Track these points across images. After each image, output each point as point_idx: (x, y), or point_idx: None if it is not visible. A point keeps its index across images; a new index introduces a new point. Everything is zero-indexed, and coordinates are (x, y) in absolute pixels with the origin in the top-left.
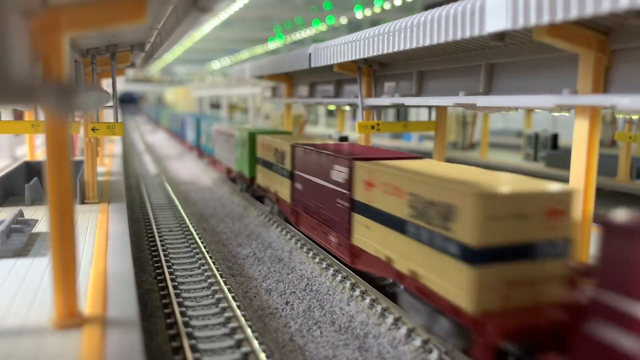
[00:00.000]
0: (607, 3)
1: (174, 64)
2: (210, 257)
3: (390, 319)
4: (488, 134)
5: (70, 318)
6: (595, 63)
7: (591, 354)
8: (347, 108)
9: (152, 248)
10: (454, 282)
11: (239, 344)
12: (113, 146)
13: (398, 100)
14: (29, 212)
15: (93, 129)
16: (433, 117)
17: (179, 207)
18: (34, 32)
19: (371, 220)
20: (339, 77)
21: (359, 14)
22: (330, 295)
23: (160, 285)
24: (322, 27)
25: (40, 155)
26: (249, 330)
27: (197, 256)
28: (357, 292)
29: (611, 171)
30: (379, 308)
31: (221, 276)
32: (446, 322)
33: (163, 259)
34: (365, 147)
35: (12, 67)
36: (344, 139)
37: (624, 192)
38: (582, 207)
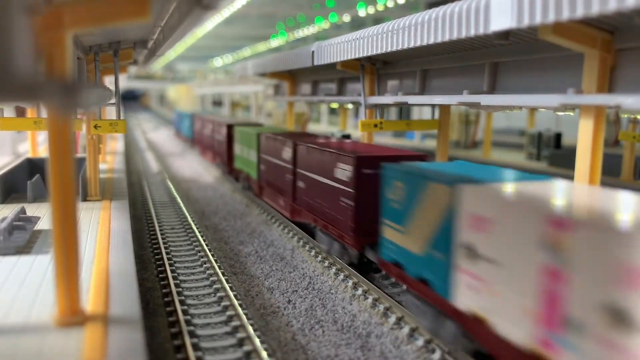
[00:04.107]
0: (613, 2)
1: (176, 61)
2: (212, 255)
3: (392, 319)
4: (491, 133)
5: (73, 316)
6: (600, 62)
7: None
8: (350, 106)
9: (154, 246)
10: None
11: (240, 343)
12: (115, 143)
13: (401, 98)
14: (31, 209)
15: (95, 126)
16: (436, 116)
17: (181, 204)
18: (37, 29)
19: None
20: (342, 75)
21: (361, 12)
22: (332, 294)
23: (162, 283)
24: (325, 24)
25: (42, 152)
26: (250, 329)
27: (199, 254)
28: (360, 291)
29: (615, 171)
30: (381, 307)
31: (223, 274)
32: None
33: (165, 256)
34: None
35: (16, 64)
36: (346, 137)
37: None
38: None
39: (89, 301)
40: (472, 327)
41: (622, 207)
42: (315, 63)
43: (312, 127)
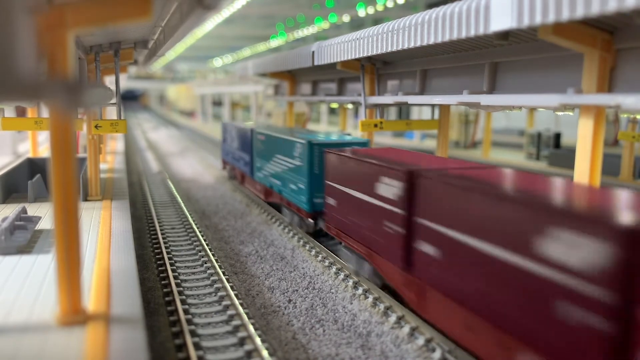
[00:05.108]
0: (613, 2)
1: (176, 61)
2: (213, 255)
3: (393, 318)
4: (490, 133)
5: (74, 315)
6: (600, 62)
7: None
8: (350, 106)
9: (155, 245)
10: None
11: (242, 342)
12: (115, 143)
13: (401, 98)
14: (32, 209)
15: (96, 126)
16: (436, 116)
17: (182, 204)
18: (40, 29)
19: None
20: (342, 75)
21: (361, 12)
22: (332, 293)
23: (163, 282)
24: (325, 24)
25: (42, 152)
26: (251, 328)
27: (199, 254)
28: (360, 291)
29: (614, 170)
30: (381, 306)
31: (224, 274)
32: None
33: (166, 256)
34: None
35: (18, 64)
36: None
37: None
38: None
39: (91, 300)
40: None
41: None
42: (316, 63)
43: (312, 127)
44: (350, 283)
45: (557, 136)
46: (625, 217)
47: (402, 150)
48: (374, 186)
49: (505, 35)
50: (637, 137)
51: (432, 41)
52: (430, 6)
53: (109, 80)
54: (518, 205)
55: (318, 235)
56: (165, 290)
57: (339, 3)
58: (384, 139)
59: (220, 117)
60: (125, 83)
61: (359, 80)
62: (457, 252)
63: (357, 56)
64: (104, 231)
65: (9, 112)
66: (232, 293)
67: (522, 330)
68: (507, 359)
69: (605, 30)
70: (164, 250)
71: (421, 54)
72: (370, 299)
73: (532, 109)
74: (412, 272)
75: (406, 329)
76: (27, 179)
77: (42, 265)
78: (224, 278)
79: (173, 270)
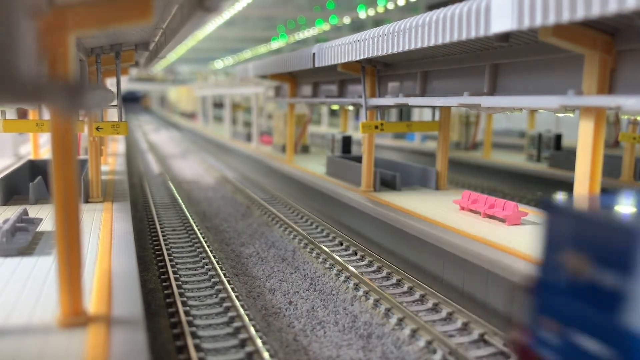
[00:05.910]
0: (613, 3)
1: (177, 63)
2: (214, 257)
3: (394, 319)
4: (491, 134)
5: (75, 317)
6: (601, 64)
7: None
8: (351, 108)
9: (156, 247)
10: None
11: (242, 344)
12: (116, 145)
13: (402, 100)
14: (33, 211)
15: (97, 128)
16: (436, 117)
17: (182, 206)
18: (41, 31)
19: None
20: (343, 76)
21: (362, 14)
22: (333, 295)
23: (164, 284)
24: (325, 26)
25: (44, 153)
26: (252, 330)
27: (200, 255)
28: (361, 292)
29: (615, 172)
30: (382, 308)
31: (225, 275)
32: None
33: (167, 257)
34: None
35: (20, 67)
36: (347, 138)
37: None
38: None
39: (92, 302)
40: None
41: None
42: (317, 65)
43: (313, 129)
44: (351, 285)
45: (558, 137)
46: None
47: None
48: None
49: (505, 36)
50: (638, 138)
51: (432, 43)
52: (431, 8)
53: (110, 82)
54: None
55: None
56: (166, 292)
57: (340, 5)
58: (384, 141)
59: (221, 119)
60: (127, 85)
61: (360, 82)
62: None
63: (357, 58)
64: (105, 233)
65: (10, 114)
66: (233, 295)
67: None
68: None
69: (606, 32)
70: (165, 252)
71: (422, 56)
72: (371, 300)
73: (532, 111)
74: None
75: (407, 331)
76: (28, 180)
77: (43, 267)
78: (225, 280)
79: (174, 272)
